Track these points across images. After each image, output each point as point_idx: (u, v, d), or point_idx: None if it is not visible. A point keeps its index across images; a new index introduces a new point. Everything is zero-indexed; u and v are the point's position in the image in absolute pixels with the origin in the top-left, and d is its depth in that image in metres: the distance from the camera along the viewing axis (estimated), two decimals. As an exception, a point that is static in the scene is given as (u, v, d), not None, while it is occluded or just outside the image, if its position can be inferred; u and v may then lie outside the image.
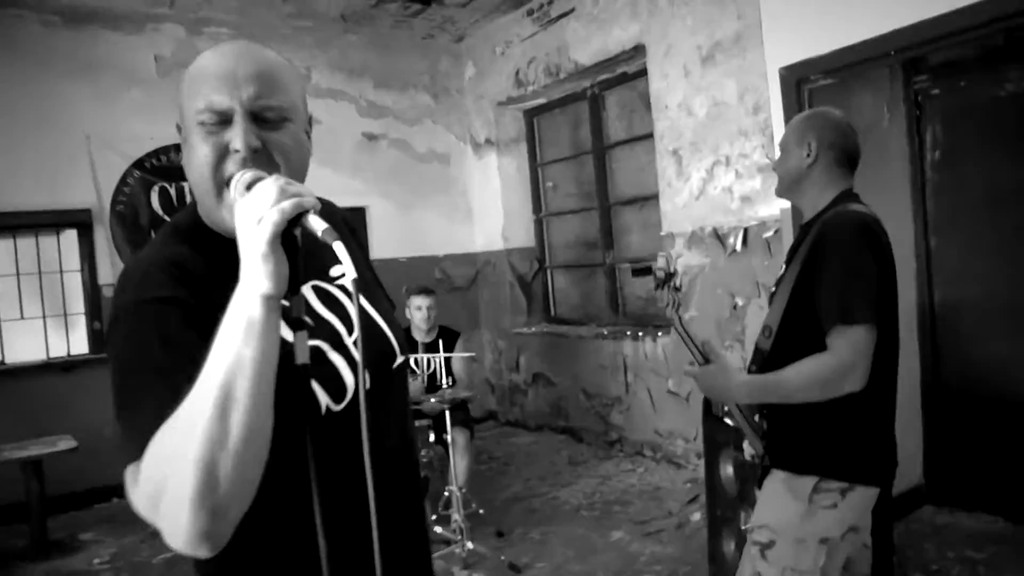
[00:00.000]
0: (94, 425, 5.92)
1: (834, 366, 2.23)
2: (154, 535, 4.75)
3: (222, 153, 1.25)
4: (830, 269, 2.31)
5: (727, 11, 5.39)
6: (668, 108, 5.96)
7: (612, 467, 6.27)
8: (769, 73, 4.41)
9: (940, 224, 4.82)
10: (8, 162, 6.16)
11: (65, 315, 6.59)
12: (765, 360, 2.52)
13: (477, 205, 8.38)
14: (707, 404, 4.05)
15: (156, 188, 6.81)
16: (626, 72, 6.79)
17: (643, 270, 2.46)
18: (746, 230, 5.40)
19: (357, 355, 1.11)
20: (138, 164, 6.73)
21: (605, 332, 6.90)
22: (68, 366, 6.44)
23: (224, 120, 1.25)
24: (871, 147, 3.60)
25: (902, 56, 4.20)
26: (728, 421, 3.68)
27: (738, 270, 5.48)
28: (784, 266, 2.58)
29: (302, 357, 1.14)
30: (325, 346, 1.34)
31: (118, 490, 5.35)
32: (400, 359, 1.47)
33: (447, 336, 5.29)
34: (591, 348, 6.98)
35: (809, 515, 2.35)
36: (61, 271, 6.60)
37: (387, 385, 1.43)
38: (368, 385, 1.34)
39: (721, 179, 5.58)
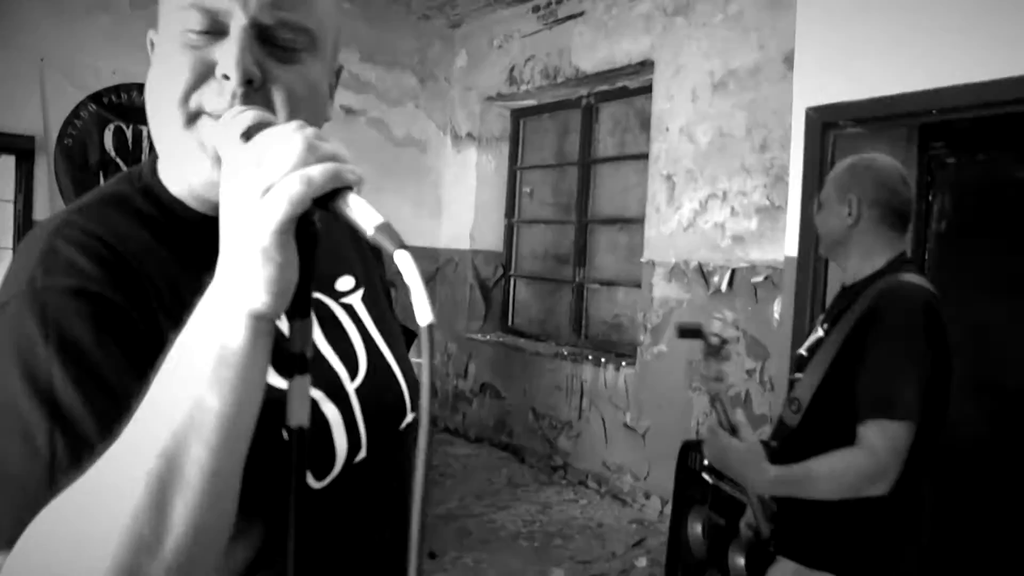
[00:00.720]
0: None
1: (867, 468, 1.96)
2: None
3: (203, 74, 0.83)
4: (880, 352, 2.02)
5: (748, 40, 5.11)
6: (668, 131, 5.66)
7: (554, 494, 5.94)
8: (795, 112, 4.13)
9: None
10: (-51, 74, 5.65)
11: (-8, 247, 6.10)
12: (789, 437, 2.23)
13: (448, 199, 8.00)
14: (683, 453, 3.76)
15: (111, 127, 6.32)
16: (627, 86, 6.49)
17: (693, 331, 2.11)
18: (734, 271, 5.12)
19: (421, 442, 0.62)
20: (95, 97, 6.22)
21: (565, 352, 6.59)
22: (-14, 303, 5.93)
23: (216, 30, 0.83)
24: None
25: (932, 117, 3.96)
26: (706, 477, 3.38)
27: (719, 311, 5.19)
28: (821, 332, 2.28)
29: (298, 417, 0.74)
30: (317, 394, 0.91)
31: None
32: (411, 417, 1.05)
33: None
34: (547, 366, 6.65)
35: None
36: (-8, 199, 6.09)
37: (391, 451, 1.01)
38: (364, 454, 0.95)
39: (715, 213, 5.29)
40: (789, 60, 4.60)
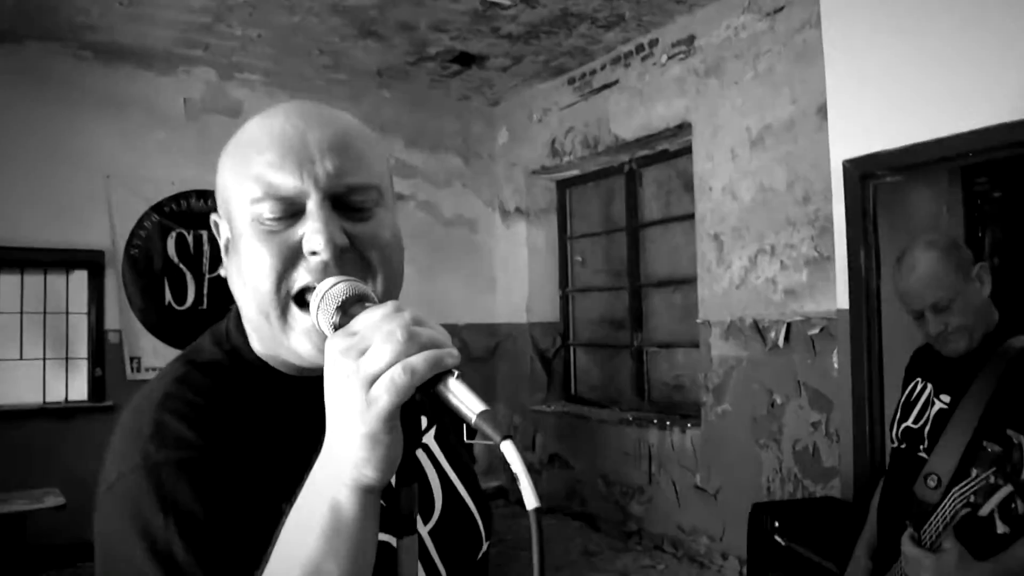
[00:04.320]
0: (85, 480, 5.58)
1: None
2: None
3: (290, 257, 0.89)
4: None
5: (781, 95, 5.17)
6: (712, 190, 5.72)
7: (630, 561, 5.90)
8: (833, 165, 4.16)
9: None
10: (24, 195, 5.97)
11: (67, 359, 6.33)
12: (929, 515, 2.10)
13: (501, 275, 8.12)
14: (755, 516, 3.74)
15: (173, 234, 6.60)
16: (667, 149, 6.57)
17: (995, 458, 2.04)
18: (789, 325, 5.11)
19: None
20: (157, 208, 6.52)
21: (630, 418, 6.58)
22: (65, 413, 6.15)
23: (293, 212, 0.89)
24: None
25: (970, 159, 3.97)
26: (779, 540, 3.38)
27: (778, 366, 5.18)
28: (942, 401, 2.23)
29: (408, 573, 0.82)
30: (391, 539, 0.93)
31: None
32: (486, 546, 1.10)
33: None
34: (613, 433, 6.65)
35: None
36: (67, 312, 6.35)
37: None
38: None
39: (765, 269, 5.31)
40: (822, 111, 4.65)
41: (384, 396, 0.70)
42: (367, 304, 0.81)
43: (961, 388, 2.18)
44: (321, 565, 0.71)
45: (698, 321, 5.83)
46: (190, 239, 6.64)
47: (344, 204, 0.91)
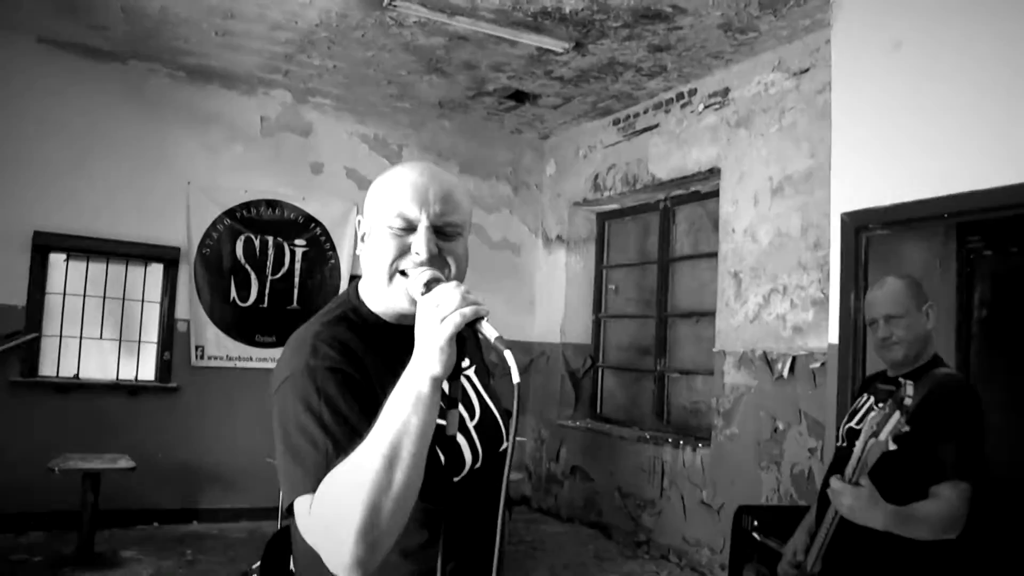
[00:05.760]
0: (150, 450, 6.31)
1: (952, 517, 2.52)
2: (191, 563, 5.10)
3: (403, 252, 1.50)
4: (962, 426, 2.62)
5: (801, 149, 5.69)
6: (735, 232, 6.24)
7: (637, 567, 6.40)
8: (832, 216, 4.66)
9: (981, 381, 4.96)
10: (115, 194, 6.69)
11: (139, 342, 7.01)
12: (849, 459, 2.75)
13: (540, 297, 8.71)
14: (738, 516, 4.23)
15: (242, 237, 7.26)
16: (699, 191, 7.11)
17: (886, 392, 2.71)
18: (794, 358, 5.60)
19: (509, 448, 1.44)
20: (229, 213, 7.20)
21: (647, 436, 7.09)
22: (134, 390, 6.82)
23: (410, 227, 1.50)
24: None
25: (962, 218, 4.44)
26: (755, 536, 3.90)
27: (782, 396, 5.67)
28: (877, 407, 2.80)
29: (452, 430, 1.43)
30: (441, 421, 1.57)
31: (161, 515, 5.80)
32: (506, 444, 1.67)
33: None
34: (631, 449, 7.16)
35: None
36: (143, 301, 7.05)
37: (495, 463, 1.64)
38: (479, 464, 1.61)
39: (776, 306, 5.81)
40: (835, 167, 5.15)
41: (450, 325, 1.26)
42: (441, 282, 1.40)
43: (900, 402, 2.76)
44: (409, 418, 1.27)
45: (714, 350, 6.34)
46: (257, 243, 7.31)
47: (439, 230, 1.52)
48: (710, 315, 6.62)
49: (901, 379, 2.66)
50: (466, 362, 1.70)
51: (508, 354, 1.27)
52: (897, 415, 2.50)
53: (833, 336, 4.60)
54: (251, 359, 7.19)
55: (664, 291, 7.56)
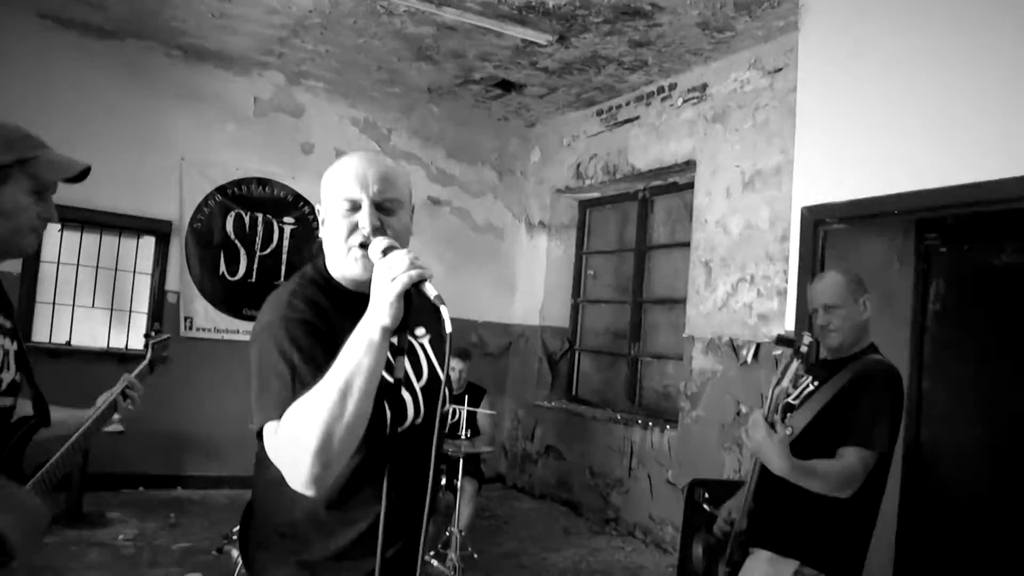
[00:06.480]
0: (136, 416, 6.47)
1: (847, 475, 2.77)
2: (174, 526, 5.41)
3: (352, 228, 1.74)
4: (875, 402, 2.88)
5: (772, 145, 5.93)
6: (707, 223, 6.48)
7: (603, 542, 6.67)
8: (793, 210, 4.89)
9: (933, 369, 5.21)
10: (111, 168, 6.83)
11: (130, 312, 7.22)
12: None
13: (521, 281, 8.96)
14: (691, 489, 4.50)
15: (232, 214, 7.48)
16: (676, 182, 7.35)
17: (788, 341, 2.96)
18: (759, 345, 5.86)
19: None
20: (221, 189, 7.42)
21: (618, 417, 7.35)
22: (124, 358, 6.99)
23: (355, 207, 1.74)
24: (878, 288, 4.09)
25: (913, 216, 4.69)
26: (706, 507, 4.18)
27: (746, 380, 5.93)
28: (813, 384, 3.09)
29: (400, 373, 1.69)
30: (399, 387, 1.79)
31: (147, 480, 6.09)
32: (448, 406, 1.93)
33: (473, 392, 5.79)
34: (604, 430, 7.42)
35: None
36: (134, 272, 7.25)
37: (434, 420, 1.83)
38: (420, 420, 1.85)
39: (743, 295, 6.07)
40: (802, 164, 5.39)
41: (398, 284, 1.46)
42: (395, 249, 1.61)
43: (826, 379, 3.04)
44: (361, 359, 1.49)
45: (684, 336, 6.59)
46: (247, 219, 7.53)
47: (380, 206, 1.75)
48: (683, 302, 6.85)
49: (803, 333, 2.92)
50: (421, 330, 1.94)
51: (444, 309, 1.48)
52: (796, 363, 2.80)
53: (790, 324, 4.85)
54: (238, 332, 7.39)
55: (640, 278, 7.81)
